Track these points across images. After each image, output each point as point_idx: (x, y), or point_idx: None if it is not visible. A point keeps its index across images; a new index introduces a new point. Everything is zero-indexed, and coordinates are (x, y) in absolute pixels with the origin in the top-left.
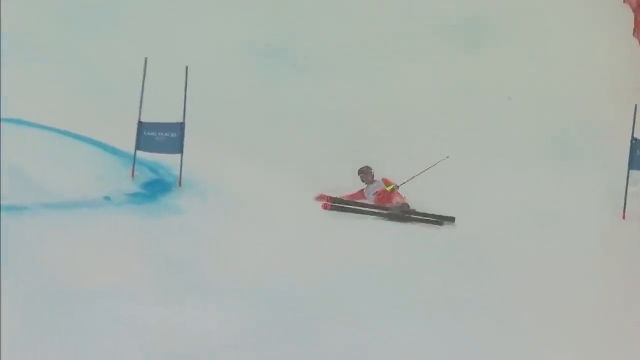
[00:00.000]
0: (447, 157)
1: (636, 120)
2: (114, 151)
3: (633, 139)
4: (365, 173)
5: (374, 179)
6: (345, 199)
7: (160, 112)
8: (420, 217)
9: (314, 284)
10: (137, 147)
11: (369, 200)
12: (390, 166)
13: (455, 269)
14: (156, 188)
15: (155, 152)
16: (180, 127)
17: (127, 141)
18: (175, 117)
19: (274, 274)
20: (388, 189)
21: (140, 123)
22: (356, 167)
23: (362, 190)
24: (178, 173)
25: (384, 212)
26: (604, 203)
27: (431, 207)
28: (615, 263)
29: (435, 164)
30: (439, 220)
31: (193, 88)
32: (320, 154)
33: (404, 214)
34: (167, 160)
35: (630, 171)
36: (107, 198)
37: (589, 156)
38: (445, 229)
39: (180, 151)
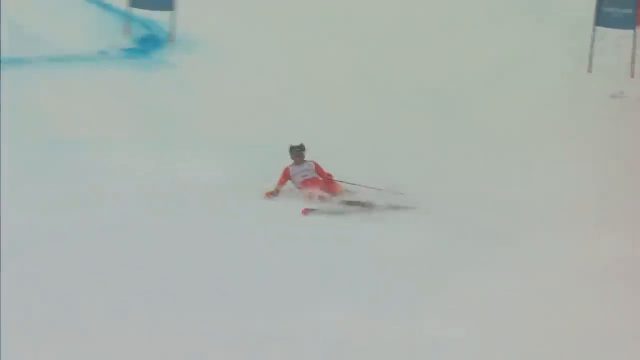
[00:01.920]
0: None
1: None
2: (108, 7)
3: None
4: (298, 155)
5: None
6: (279, 186)
7: None
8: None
9: (296, 137)
10: (131, 4)
11: (295, 183)
12: None
13: None
14: (149, 44)
15: (147, 9)
16: None
17: None
18: None
19: (260, 126)
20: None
21: None
22: None
23: (287, 169)
24: (171, 30)
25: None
26: (569, 57)
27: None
28: (581, 114)
29: None
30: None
31: None
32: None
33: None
34: (160, 17)
35: (597, 28)
36: (102, 52)
37: (554, 11)
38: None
39: (173, 7)
